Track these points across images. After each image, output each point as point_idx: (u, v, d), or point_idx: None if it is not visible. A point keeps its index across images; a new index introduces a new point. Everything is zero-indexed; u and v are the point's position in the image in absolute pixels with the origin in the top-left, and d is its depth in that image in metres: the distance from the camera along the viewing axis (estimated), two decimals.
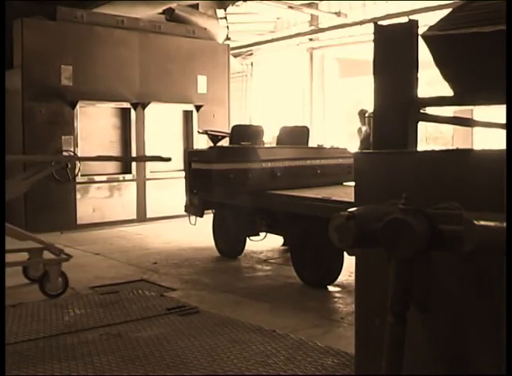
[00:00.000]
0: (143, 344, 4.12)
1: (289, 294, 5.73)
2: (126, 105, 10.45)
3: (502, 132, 1.99)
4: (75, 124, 9.78)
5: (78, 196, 9.70)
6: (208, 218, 7.79)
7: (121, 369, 3.66)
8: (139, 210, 10.51)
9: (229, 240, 7.47)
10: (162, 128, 10.98)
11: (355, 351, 2.27)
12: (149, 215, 10.58)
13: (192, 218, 7.77)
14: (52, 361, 3.79)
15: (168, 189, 10.27)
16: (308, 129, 8.24)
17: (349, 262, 5.58)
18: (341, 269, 5.84)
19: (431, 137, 12.54)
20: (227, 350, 3.98)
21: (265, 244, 7.50)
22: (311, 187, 6.93)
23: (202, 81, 11.39)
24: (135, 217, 10.45)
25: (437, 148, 2.38)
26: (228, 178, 6.72)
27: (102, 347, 4.05)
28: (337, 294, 5.73)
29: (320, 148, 8.17)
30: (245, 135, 7.73)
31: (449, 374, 1.95)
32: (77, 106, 9.74)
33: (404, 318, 1.74)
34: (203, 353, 3.92)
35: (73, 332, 4.38)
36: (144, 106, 10.57)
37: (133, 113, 10.52)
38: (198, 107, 11.29)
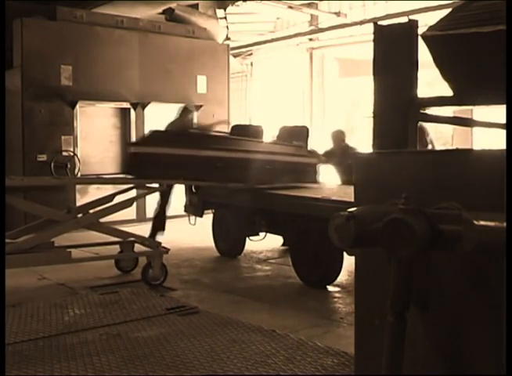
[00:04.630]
0: (143, 344, 4.11)
1: (289, 294, 5.73)
2: (126, 105, 10.46)
3: (503, 132, 1.99)
4: (75, 124, 9.79)
5: (78, 196, 9.69)
6: (208, 218, 7.79)
7: (121, 369, 3.66)
8: (139, 210, 10.49)
9: (229, 240, 7.46)
10: (162, 127, 10.96)
11: (354, 351, 2.27)
12: (148, 215, 10.55)
13: (192, 218, 7.76)
14: (52, 361, 3.79)
15: None
16: (307, 129, 8.22)
17: (349, 262, 5.58)
18: (341, 269, 5.84)
19: None
20: (227, 350, 3.98)
21: (265, 244, 7.50)
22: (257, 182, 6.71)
23: (202, 81, 11.39)
24: (134, 217, 10.43)
25: (437, 148, 2.39)
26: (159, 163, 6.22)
27: (102, 347, 4.05)
28: (337, 294, 5.73)
29: (275, 143, 7.79)
30: (244, 135, 7.70)
31: (449, 374, 1.95)
32: (77, 106, 9.75)
33: (404, 318, 1.74)
34: (202, 353, 3.92)
35: (73, 332, 4.38)
36: (144, 106, 10.57)
37: (133, 113, 10.53)
38: (198, 107, 11.29)
